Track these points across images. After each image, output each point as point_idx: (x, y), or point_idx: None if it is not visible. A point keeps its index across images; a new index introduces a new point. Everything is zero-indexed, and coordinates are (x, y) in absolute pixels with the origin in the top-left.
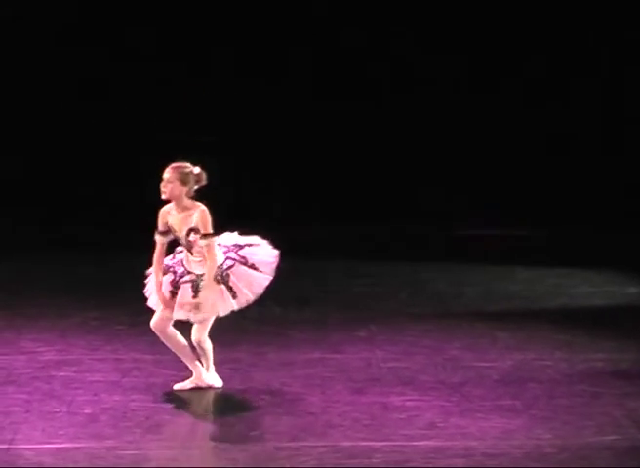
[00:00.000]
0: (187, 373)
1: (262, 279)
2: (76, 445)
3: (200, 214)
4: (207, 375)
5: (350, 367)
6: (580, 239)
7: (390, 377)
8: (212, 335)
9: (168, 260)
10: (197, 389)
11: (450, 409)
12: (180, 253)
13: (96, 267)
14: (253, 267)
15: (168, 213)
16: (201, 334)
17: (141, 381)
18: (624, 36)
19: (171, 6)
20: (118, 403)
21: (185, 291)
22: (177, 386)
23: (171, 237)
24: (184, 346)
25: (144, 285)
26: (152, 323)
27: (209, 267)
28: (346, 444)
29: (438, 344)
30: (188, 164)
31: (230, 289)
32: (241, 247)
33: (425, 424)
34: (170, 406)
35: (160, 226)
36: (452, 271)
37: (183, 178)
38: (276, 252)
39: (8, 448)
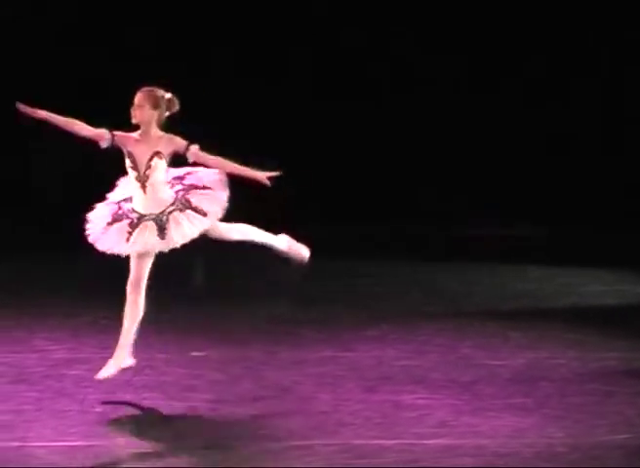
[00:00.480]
0: (199, 371)
1: (220, 195)
2: (88, 443)
3: (171, 137)
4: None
5: (362, 365)
6: (591, 238)
7: (402, 376)
8: (225, 335)
9: (114, 209)
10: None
11: (461, 407)
12: (127, 204)
13: (105, 266)
14: (205, 188)
15: (134, 140)
16: (241, 232)
17: (153, 380)
18: (624, 36)
19: (171, 5)
20: (129, 401)
21: (150, 227)
22: (101, 375)
23: (106, 146)
24: (133, 324)
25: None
26: (133, 277)
27: (230, 164)
28: (357, 442)
29: (450, 343)
30: (159, 89)
31: (196, 209)
32: (182, 178)
33: (437, 423)
34: (181, 404)
35: (117, 134)
36: (463, 270)
37: (155, 102)
38: (216, 170)
39: (20, 447)
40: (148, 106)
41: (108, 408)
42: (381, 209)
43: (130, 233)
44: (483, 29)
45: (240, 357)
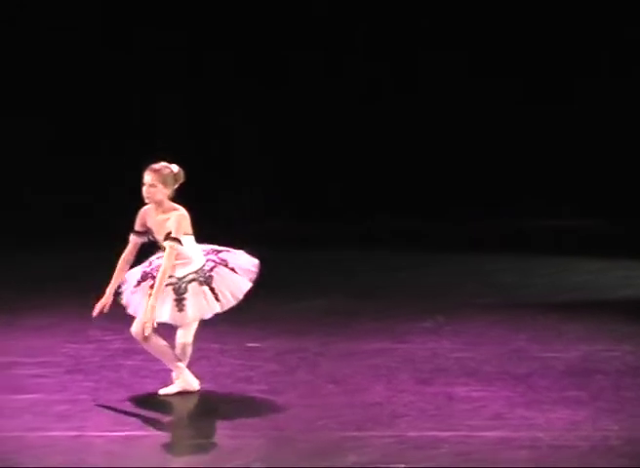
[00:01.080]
0: (254, 362)
1: (243, 283)
2: (144, 433)
3: (175, 217)
4: (191, 378)
5: (416, 357)
6: None
7: (456, 368)
8: (281, 326)
9: (145, 267)
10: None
11: (515, 399)
12: (157, 260)
13: None
14: (233, 270)
15: (147, 214)
16: (187, 337)
17: (208, 371)
18: None
19: None
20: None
21: (167, 294)
22: (162, 391)
23: (145, 239)
24: (166, 349)
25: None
26: (133, 329)
27: (160, 274)
28: (412, 434)
29: (504, 335)
30: (167, 164)
31: (213, 290)
32: (219, 251)
33: (491, 415)
34: (237, 394)
35: (137, 226)
36: (519, 262)
37: (165, 180)
38: (256, 261)
39: (77, 436)
40: (161, 186)
41: (164, 398)
42: (445, 200)
43: (150, 296)
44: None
45: (295, 348)
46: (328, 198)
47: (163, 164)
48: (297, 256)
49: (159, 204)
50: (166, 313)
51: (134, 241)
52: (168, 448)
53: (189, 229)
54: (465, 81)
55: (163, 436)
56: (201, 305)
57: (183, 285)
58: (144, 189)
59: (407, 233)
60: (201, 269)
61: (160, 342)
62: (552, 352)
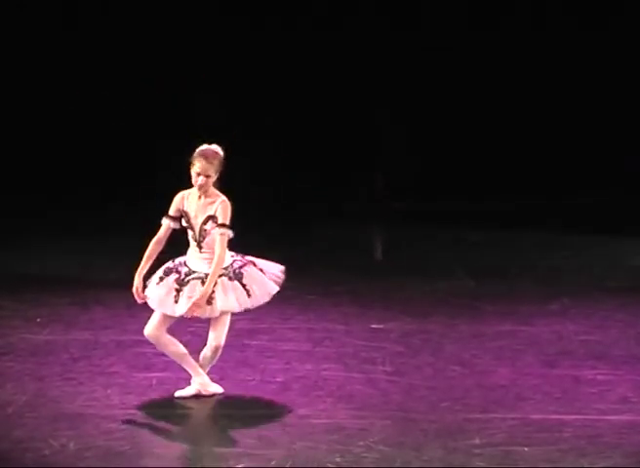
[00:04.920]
0: (378, 344)
1: (271, 286)
2: (272, 411)
3: (222, 205)
4: (210, 383)
5: (541, 339)
6: None
7: (582, 351)
8: (405, 307)
9: (169, 264)
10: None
11: None
12: (181, 257)
13: (283, 237)
14: (262, 271)
15: (185, 199)
16: (220, 339)
17: (333, 351)
18: None
19: None
20: (310, 372)
21: (194, 287)
22: (178, 393)
23: (178, 225)
24: (183, 353)
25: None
26: (147, 330)
27: (216, 261)
28: (537, 417)
29: (632, 318)
30: (217, 148)
31: (244, 286)
32: (245, 254)
33: (618, 399)
34: (361, 375)
35: (171, 210)
36: None
37: (218, 169)
38: (282, 267)
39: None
40: (214, 175)
41: (289, 378)
42: (585, 179)
43: (177, 290)
44: None
45: (419, 329)
46: (453, 178)
47: (215, 150)
48: (421, 237)
49: (206, 190)
50: (163, 301)
51: (167, 225)
52: (292, 428)
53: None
54: None
55: (288, 416)
56: (231, 299)
57: (186, 279)
58: (200, 179)
59: (537, 213)
60: (230, 265)
61: (176, 346)
62: None
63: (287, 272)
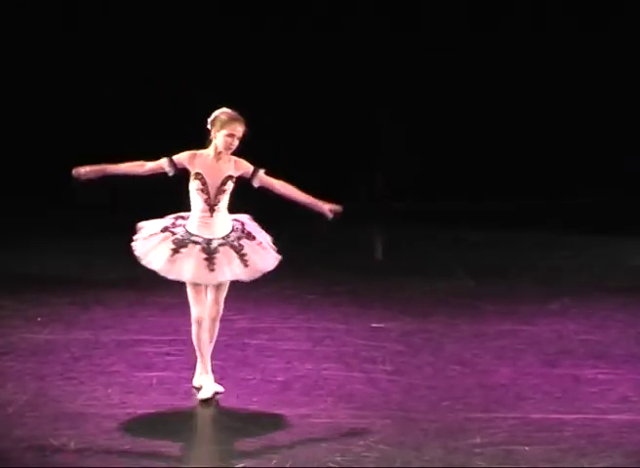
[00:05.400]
0: (378, 343)
1: (271, 258)
2: (269, 411)
3: (237, 159)
4: (213, 382)
5: (542, 339)
6: None
7: (582, 350)
8: (405, 307)
9: (165, 222)
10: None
11: None
12: (180, 228)
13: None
14: (261, 245)
15: (201, 159)
16: (220, 302)
17: (333, 350)
18: None
19: None
20: (310, 371)
21: (227, 252)
22: (200, 396)
23: (171, 172)
24: (208, 346)
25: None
26: (199, 312)
27: (297, 190)
28: (537, 416)
29: (632, 318)
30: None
31: (242, 257)
32: (243, 223)
33: (618, 398)
34: (361, 375)
35: (176, 158)
36: None
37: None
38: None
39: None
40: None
41: (290, 377)
42: (583, 180)
43: (207, 260)
44: None
45: (420, 329)
46: (453, 178)
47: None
48: (421, 237)
49: (227, 153)
50: (197, 272)
51: (161, 164)
52: (292, 427)
53: None
54: None
55: (287, 415)
56: (231, 267)
57: (212, 246)
58: (235, 142)
59: (537, 214)
60: (228, 236)
61: (207, 339)
62: None
63: (287, 272)
